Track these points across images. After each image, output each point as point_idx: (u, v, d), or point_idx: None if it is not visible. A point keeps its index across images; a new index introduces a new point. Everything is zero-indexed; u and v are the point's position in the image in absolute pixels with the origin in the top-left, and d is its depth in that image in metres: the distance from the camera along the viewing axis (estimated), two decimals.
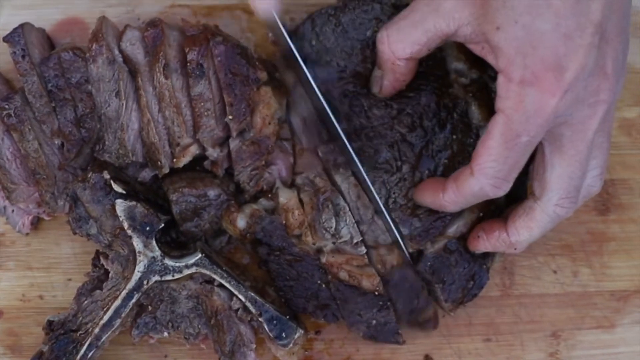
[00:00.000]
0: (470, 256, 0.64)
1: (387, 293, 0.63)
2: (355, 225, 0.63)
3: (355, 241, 0.63)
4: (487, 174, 0.54)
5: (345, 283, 0.63)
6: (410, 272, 0.64)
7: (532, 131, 0.52)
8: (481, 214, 0.64)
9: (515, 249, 0.61)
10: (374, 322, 0.64)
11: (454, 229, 0.64)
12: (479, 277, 0.65)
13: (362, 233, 0.63)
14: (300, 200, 0.63)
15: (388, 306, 0.63)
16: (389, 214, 0.62)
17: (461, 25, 0.54)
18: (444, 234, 0.64)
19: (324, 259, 0.63)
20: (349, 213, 0.63)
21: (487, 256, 0.65)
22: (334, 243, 0.63)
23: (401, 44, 0.57)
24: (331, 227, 0.63)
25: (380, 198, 0.63)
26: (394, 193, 0.63)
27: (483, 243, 0.62)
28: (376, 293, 0.63)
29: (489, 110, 0.64)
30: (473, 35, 0.54)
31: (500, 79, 0.53)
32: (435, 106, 0.64)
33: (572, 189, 0.56)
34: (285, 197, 0.64)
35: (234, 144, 0.63)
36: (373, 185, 0.63)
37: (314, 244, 0.63)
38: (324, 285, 0.64)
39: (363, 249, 0.63)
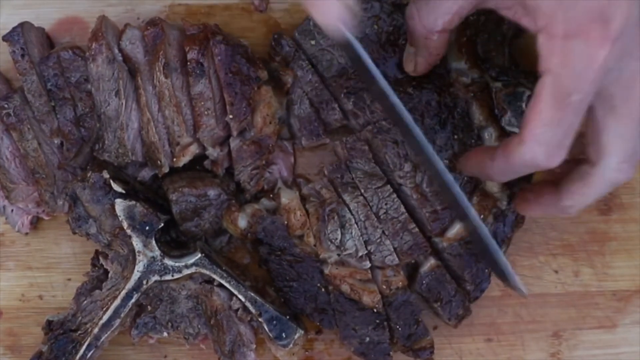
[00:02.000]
0: (473, 260, 0.64)
1: (386, 314, 0.63)
2: (361, 238, 0.63)
3: (360, 254, 0.63)
4: (539, 140, 0.50)
5: (346, 296, 0.63)
6: (413, 296, 0.63)
7: (583, 88, 0.49)
8: (482, 216, 0.64)
9: (567, 213, 0.57)
10: (367, 339, 0.63)
11: (454, 232, 0.64)
12: (480, 280, 0.65)
13: (369, 252, 0.63)
14: (306, 211, 0.63)
15: (384, 326, 0.63)
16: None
17: None
18: (444, 237, 0.64)
19: (327, 270, 0.63)
20: (355, 225, 0.63)
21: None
22: (338, 255, 0.63)
23: (432, 15, 0.55)
24: (336, 239, 0.62)
25: (372, 207, 0.63)
26: (385, 204, 0.63)
27: (533, 206, 0.60)
28: (375, 310, 0.63)
29: (490, 111, 0.64)
30: None
31: (541, 39, 0.50)
32: (436, 105, 0.64)
33: (630, 150, 0.53)
34: (287, 197, 0.64)
35: (234, 143, 0.63)
36: (366, 192, 0.63)
37: (315, 245, 0.63)
38: (323, 289, 0.63)
39: (367, 263, 0.63)
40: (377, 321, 0.63)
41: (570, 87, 0.49)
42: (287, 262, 0.63)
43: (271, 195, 0.65)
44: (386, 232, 0.63)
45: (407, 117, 0.57)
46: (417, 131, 0.57)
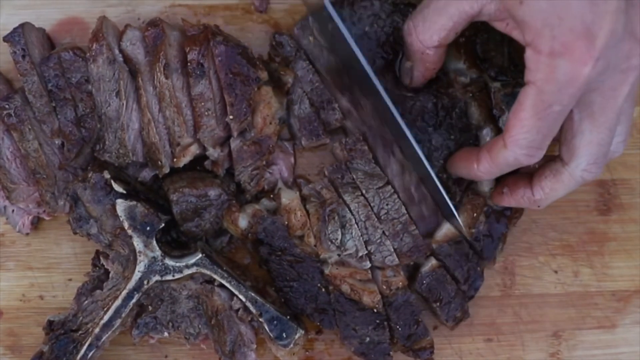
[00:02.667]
0: (463, 259, 0.64)
1: (387, 314, 0.63)
2: (361, 238, 0.63)
3: (360, 254, 0.63)
4: (520, 145, 0.54)
5: (346, 296, 0.63)
6: (413, 297, 0.64)
7: (564, 100, 0.52)
8: (475, 215, 0.64)
9: (538, 206, 0.61)
10: (368, 339, 0.63)
11: (442, 233, 0.64)
12: (474, 279, 0.65)
13: (369, 252, 0.63)
14: (307, 211, 0.63)
15: (384, 325, 0.63)
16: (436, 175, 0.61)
17: (484, 4, 0.54)
18: (433, 239, 0.64)
19: (327, 271, 0.63)
20: (355, 226, 0.63)
21: (481, 258, 0.65)
22: (339, 255, 0.63)
23: (428, 32, 0.57)
24: (337, 239, 0.62)
25: (373, 207, 0.63)
26: (386, 205, 0.63)
27: (507, 198, 0.63)
28: (375, 310, 0.63)
29: (489, 111, 0.64)
30: (497, 13, 0.54)
31: (529, 52, 0.52)
32: (432, 106, 0.64)
33: (601, 155, 0.56)
34: (288, 197, 0.64)
35: (234, 143, 0.63)
36: (367, 193, 0.63)
37: (315, 245, 0.63)
38: (323, 290, 0.64)
39: (367, 264, 0.63)
40: (377, 321, 0.63)
41: (552, 99, 0.52)
42: (287, 262, 0.63)
43: (271, 196, 0.65)
44: (386, 233, 0.63)
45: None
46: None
